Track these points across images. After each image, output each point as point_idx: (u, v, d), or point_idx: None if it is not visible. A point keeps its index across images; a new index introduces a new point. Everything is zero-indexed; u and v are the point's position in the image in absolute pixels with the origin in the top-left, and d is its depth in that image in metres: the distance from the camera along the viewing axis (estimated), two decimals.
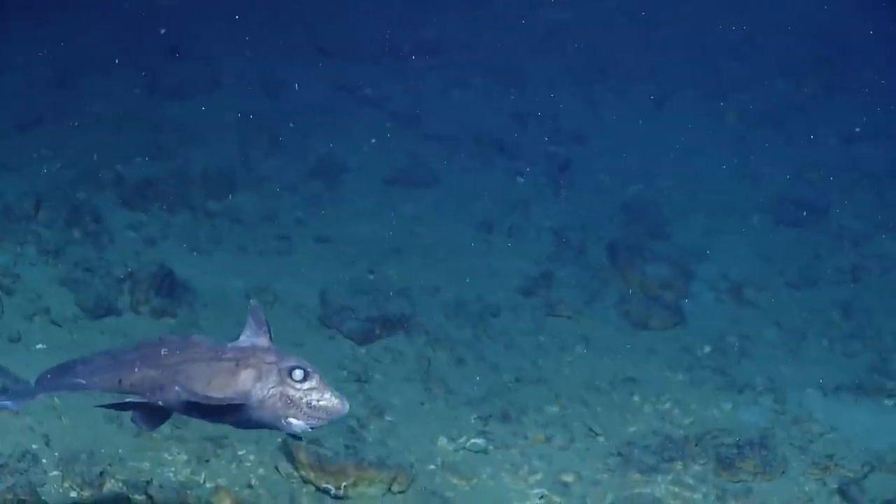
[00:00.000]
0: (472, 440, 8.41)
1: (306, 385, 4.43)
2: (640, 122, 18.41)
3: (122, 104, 15.86)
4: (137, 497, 6.82)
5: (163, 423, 4.80)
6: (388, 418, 8.52)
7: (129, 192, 12.56)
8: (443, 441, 8.33)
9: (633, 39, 22.15)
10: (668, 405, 9.29)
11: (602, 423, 8.92)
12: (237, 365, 4.51)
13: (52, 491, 6.72)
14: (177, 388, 4.53)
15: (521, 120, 17.95)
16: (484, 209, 14.06)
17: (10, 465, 6.72)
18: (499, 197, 14.58)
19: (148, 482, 6.97)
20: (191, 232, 12.01)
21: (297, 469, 7.48)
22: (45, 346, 8.86)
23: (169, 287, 9.94)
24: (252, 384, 4.44)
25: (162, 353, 4.67)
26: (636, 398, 9.43)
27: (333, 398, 4.47)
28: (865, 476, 8.10)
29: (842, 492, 7.91)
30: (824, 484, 8.09)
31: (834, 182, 15.83)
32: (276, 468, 7.52)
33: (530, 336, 10.62)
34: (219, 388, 4.48)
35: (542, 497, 7.82)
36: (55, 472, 6.90)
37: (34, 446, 7.09)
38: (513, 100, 18.98)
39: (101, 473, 6.93)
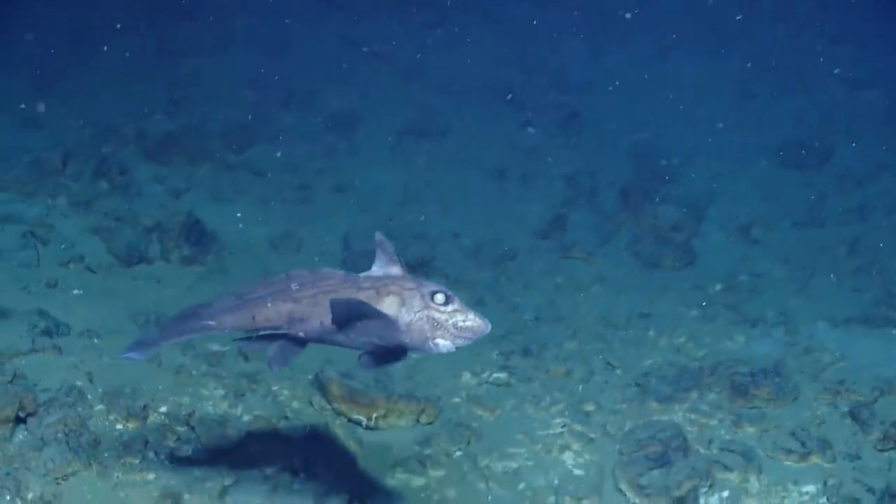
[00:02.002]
0: (495, 374, 8.70)
1: (450, 308, 4.64)
2: (646, 71, 18.60)
3: (138, 63, 16.11)
4: (180, 428, 7.09)
5: (295, 358, 5.01)
6: (413, 355, 8.79)
7: (152, 146, 12.90)
8: (467, 376, 8.61)
9: None
10: (682, 339, 9.60)
11: (619, 357, 9.22)
12: (377, 293, 4.69)
13: (99, 423, 6.98)
14: (320, 319, 4.72)
15: (529, 71, 18.17)
16: (496, 158, 14.35)
17: (59, 398, 6.96)
18: (510, 146, 14.86)
19: (189, 414, 7.24)
20: (214, 183, 12.34)
21: (329, 402, 7.75)
22: (81, 292, 9.17)
23: (197, 235, 10.26)
24: (397, 309, 4.63)
25: (293, 286, 4.83)
26: (651, 333, 9.74)
27: (477, 318, 4.68)
28: (875, 400, 8.32)
29: (853, 414, 8.17)
30: (835, 407, 8.34)
31: (837, 125, 16.04)
32: (310, 402, 7.80)
33: (547, 277, 10.93)
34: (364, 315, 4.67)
35: (564, 426, 8.07)
36: (100, 406, 7.15)
37: (79, 383, 7.34)
38: (520, 52, 19.16)
39: (145, 407, 7.18)
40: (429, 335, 4.65)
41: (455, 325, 4.65)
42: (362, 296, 4.70)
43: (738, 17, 20.49)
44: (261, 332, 4.92)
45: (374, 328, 4.67)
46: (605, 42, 20.05)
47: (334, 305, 4.64)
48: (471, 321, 4.68)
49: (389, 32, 19.36)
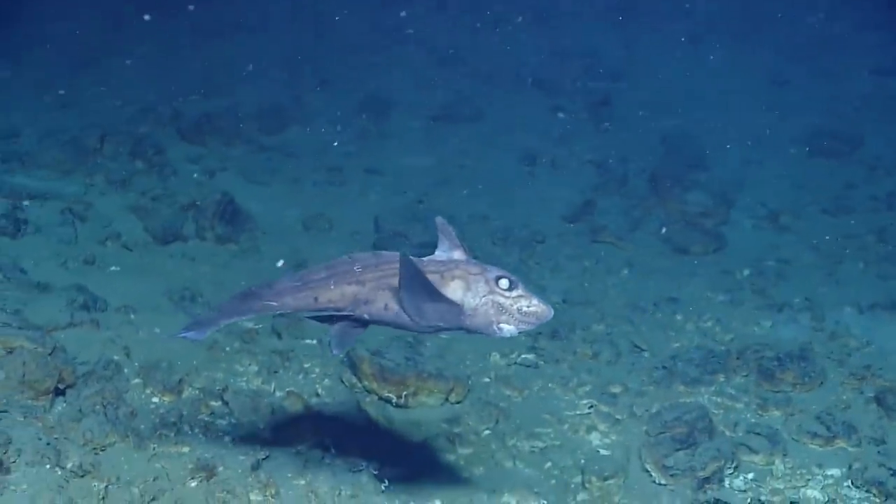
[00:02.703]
0: (524, 355, 8.77)
1: (514, 293, 4.73)
2: (677, 59, 18.62)
3: (175, 45, 16.28)
4: (214, 403, 7.23)
5: (354, 342, 5.13)
6: (443, 335, 8.89)
7: (187, 127, 13.10)
8: (495, 356, 8.68)
9: None
10: (709, 323, 9.68)
11: (647, 340, 9.29)
12: (442, 277, 4.78)
13: (136, 396, 7.15)
14: (385, 301, 4.80)
15: (561, 58, 18.22)
16: (527, 143, 14.43)
17: (97, 371, 7.14)
18: (541, 131, 14.95)
19: (223, 389, 7.38)
20: (247, 164, 12.49)
21: (360, 380, 7.86)
22: (118, 268, 9.36)
23: (231, 215, 10.42)
24: (462, 293, 4.72)
25: (357, 269, 4.90)
26: (679, 317, 9.81)
27: (541, 304, 4.77)
28: None
29: (878, 399, 8.23)
30: (861, 392, 8.42)
31: (867, 114, 16.01)
32: (341, 379, 7.92)
33: (576, 261, 11.01)
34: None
35: (591, 406, 8.15)
36: (137, 380, 7.32)
37: (116, 357, 7.50)
38: (552, 38, 19.21)
39: (180, 381, 7.34)
40: (493, 319, 4.74)
41: (519, 311, 4.73)
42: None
43: (778, 15, 20.47)
44: (324, 314, 4.99)
45: (441, 312, 4.74)
46: (638, 30, 20.09)
47: (401, 289, 4.69)
48: (535, 307, 4.76)
49: (424, 17, 19.44)
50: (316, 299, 4.95)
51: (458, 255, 4.92)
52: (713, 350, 8.98)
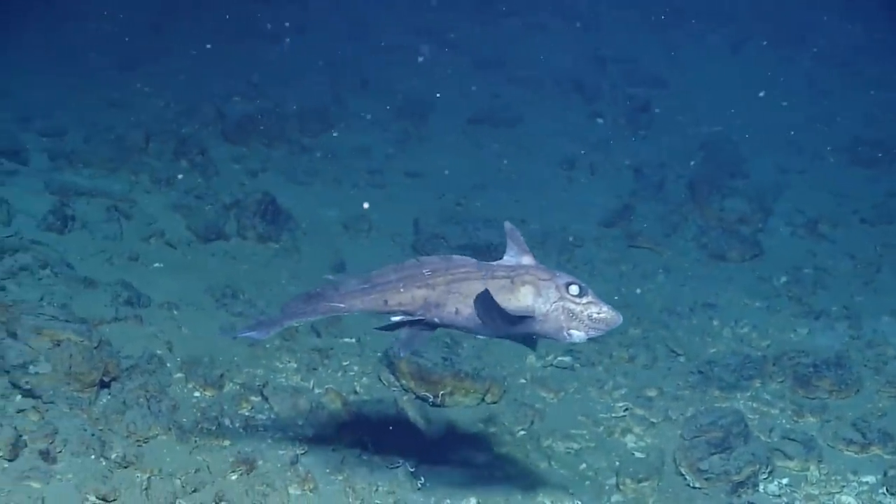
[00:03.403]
0: (560, 357, 8.82)
1: (585, 299, 4.82)
2: (717, 65, 18.61)
3: (216, 46, 16.43)
4: (254, 398, 7.35)
5: (422, 345, 5.20)
6: (479, 336, 8.94)
7: (231, 127, 13.25)
8: (531, 358, 8.73)
9: None
10: (746, 329, 9.71)
11: (683, 345, 9.33)
12: (512, 282, 4.86)
13: (178, 390, 7.28)
14: (456, 306, 4.88)
15: (601, 63, 18.27)
16: (566, 148, 14.49)
17: (141, 365, 7.27)
18: (580, 136, 15.01)
19: (263, 385, 7.51)
20: (289, 165, 12.63)
21: (398, 378, 7.96)
22: (161, 265, 9.48)
23: (272, 214, 10.53)
24: (533, 299, 4.81)
25: (425, 273, 4.99)
26: (715, 323, 9.85)
27: (611, 311, 4.86)
28: None
29: None
30: None
31: None
32: (379, 377, 8.02)
33: (613, 265, 11.06)
34: (501, 304, 4.79)
35: (626, 409, 8.21)
36: (179, 374, 7.46)
37: (159, 351, 7.64)
38: (592, 44, 19.26)
39: (221, 376, 7.47)
40: (564, 325, 4.83)
41: (589, 317, 4.82)
42: (497, 284, 4.85)
43: (824, 18, 20.41)
44: (395, 319, 5.07)
45: (514, 318, 4.81)
46: (678, 36, 20.07)
47: (476, 294, 4.76)
48: (605, 313, 4.84)
49: (464, 21, 19.53)
50: (385, 302, 5.03)
51: (526, 260, 4.99)
52: (749, 356, 9.00)
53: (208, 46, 16.22)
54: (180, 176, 11.37)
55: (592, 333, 4.86)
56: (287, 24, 18.16)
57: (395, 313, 5.06)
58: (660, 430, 7.97)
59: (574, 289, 4.82)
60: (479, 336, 5.18)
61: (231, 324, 8.43)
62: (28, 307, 7.28)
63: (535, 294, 4.81)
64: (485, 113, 15.41)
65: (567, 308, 4.80)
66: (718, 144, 14.69)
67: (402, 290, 4.99)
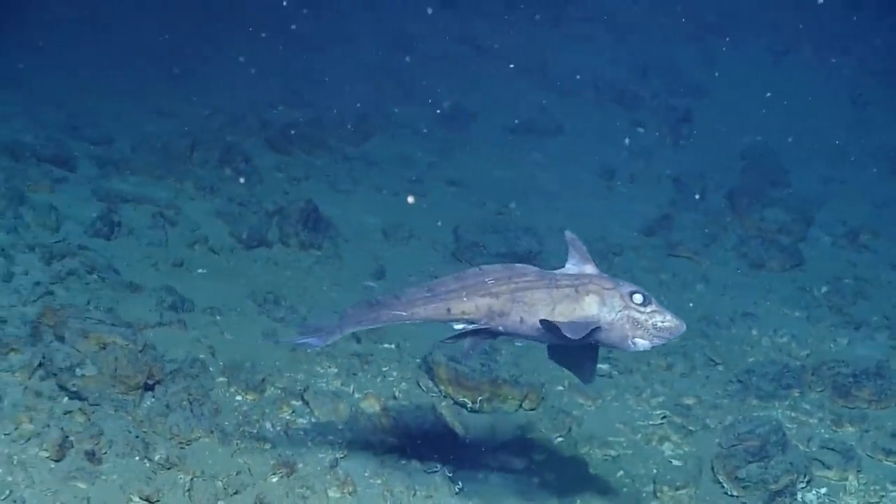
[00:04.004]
0: (598, 365, 8.79)
1: (649, 308, 4.88)
2: (759, 75, 18.54)
3: (263, 56, 16.60)
4: (295, 402, 7.43)
5: (481, 351, 5.27)
6: (518, 343, 9.00)
7: (275, 136, 13.40)
8: None
9: None
10: (785, 339, 9.69)
11: (721, 354, 9.33)
12: (576, 291, 4.90)
13: (220, 394, 7.36)
14: (520, 315, 4.91)
15: (642, 73, 18.27)
16: (606, 157, 14.53)
17: (184, 369, 7.37)
18: (620, 146, 15.00)
19: (304, 390, 7.58)
20: (331, 173, 12.76)
21: (436, 384, 8.02)
22: (205, 271, 9.60)
23: (314, 222, 10.64)
24: (598, 308, 4.86)
25: (488, 281, 5.01)
26: (754, 332, 9.84)
27: (675, 319, 4.94)
28: None
29: None
30: None
31: None
32: (418, 383, 8.08)
33: (652, 274, 11.07)
34: (566, 313, 4.88)
35: (664, 417, 8.22)
36: (221, 378, 7.54)
37: (202, 356, 7.74)
38: (633, 53, 19.26)
39: (263, 381, 7.54)
40: (629, 334, 4.87)
41: (654, 326, 4.87)
42: (561, 293, 4.90)
43: (867, 25, 20.28)
44: (457, 326, 5.10)
45: (580, 327, 4.83)
46: (719, 46, 20.02)
47: (540, 303, 4.83)
48: (669, 321, 4.90)
49: (506, 32, 19.60)
50: (448, 310, 5.05)
51: (588, 268, 5.02)
52: (788, 365, 8.99)
53: (253, 56, 16.38)
54: (224, 183, 11.53)
55: (657, 342, 4.91)
56: (331, 34, 18.33)
57: (458, 322, 5.08)
58: (697, 438, 7.98)
59: (638, 297, 4.87)
60: (542, 343, 5.17)
61: (272, 329, 8.52)
62: (75, 311, 7.40)
63: (599, 303, 4.85)
64: (526, 122, 15.50)
65: (632, 317, 4.84)
66: (759, 154, 14.67)
67: (465, 298, 5.00)
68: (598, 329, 4.88)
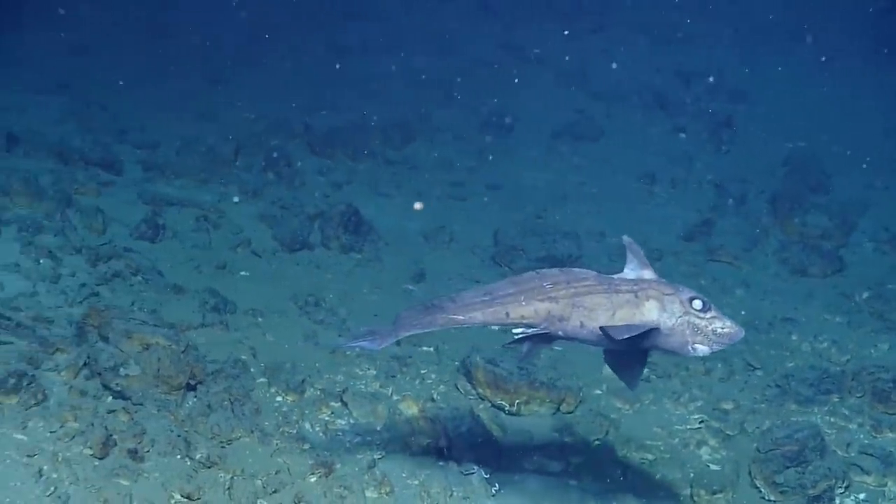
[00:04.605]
0: None
1: (709, 314, 4.89)
2: (803, 80, 18.45)
3: (306, 61, 16.78)
4: (334, 403, 7.52)
5: (539, 354, 5.30)
6: (556, 347, 9.02)
7: (317, 140, 13.55)
8: (607, 369, 8.68)
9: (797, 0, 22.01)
10: (825, 344, 9.64)
11: (760, 359, 9.30)
12: (636, 296, 4.91)
13: (261, 394, 7.47)
14: (580, 319, 4.91)
15: (684, 78, 18.25)
16: (647, 162, 14.52)
17: (226, 370, 7.48)
18: (661, 151, 15.02)
19: (343, 391, 7.67)
20: (373, 177, 12.86)
21: (474, 387, 8.06)
22: (247, 274, 9.74)
23: (355, 225, 10.74)
24: (658, 314, 4.87)
25: (546, 286, 5.01)
26: (794, 337, 9.80)
27: (734, 325, 4.93)
28: None
29: None
30: None
31: None
32: (456, 386, 8.13)
33: (692, 279, 11.03)
34: (626, 318, 4.90)
35: (701, 422, 8.20)
36: (262, 379, 7.65)
37: (243, 357, 7.86)
38: (676, 59, 19.24)
39: (302, 382, 7.64)
40: (689, 340, 4.89)
41: (714, 332, 4.88)
42: (621, 298, 4.91)
43: None
44: (517, 331, 5.10)
45: (641, 333, 4.85)
46: (764, 51, 19.93)
47: (601, 307, 4.85)
48: (728, 328, 4.90)
49: (548, 38, 19.65)
50: (507, 314, 5.04)
51: (647, 274, 5.03)
52: (828, 370, 8.94)
53: (297, 61, 16.56)
54: (267, 187, 11.66)
55: (716, 348, 4.91)
56: (375, 40, 18.47)
57: (516, 326, 5.07)
58: (735, 442, 7.96)
59: (697, 303, 4.88)
60: (601, 348, 5.18)
61: (313, 331, 8.63)
62: (119, 312, 7.55)
63: (660, 308, 4.86)
64: (567, 127, 15.54)
65: (692, 323, 4.85)
66: (802, 159, 14.59)
67: (523, 302, 5.00)
68: (658, 334, 4.89)
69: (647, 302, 4.88)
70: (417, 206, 11.17)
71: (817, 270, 11.43)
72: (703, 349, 4.90)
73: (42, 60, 16.36)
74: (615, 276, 5.03)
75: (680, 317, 4.84)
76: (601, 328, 4.89)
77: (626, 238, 5.17)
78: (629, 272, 5.08)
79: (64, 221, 9.61)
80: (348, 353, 8.25)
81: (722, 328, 4.89)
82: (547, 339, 5.14)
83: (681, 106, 16.95)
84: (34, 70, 15.92)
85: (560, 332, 5.03)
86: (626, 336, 4.81)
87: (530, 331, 5.06)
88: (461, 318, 5.08)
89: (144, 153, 12.43)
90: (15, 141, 11.75)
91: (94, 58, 16.68)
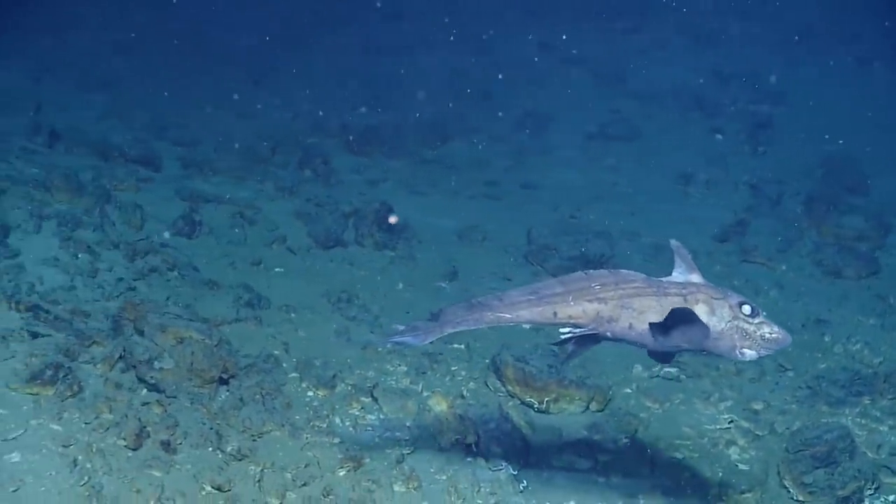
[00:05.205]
0: (666, 368, 8.83)
1: (757, 319, 4.90)
2: (841, 83, 18.33)
3: (344, 61, 16.90)
4: (364, 399, 7.59)
5: (582, 354, 5.25)
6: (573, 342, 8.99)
7: (354, 139, 13.66)
8: (638, 368, 8.79)
9: (835, 2, 21.85)
10: (858, 346, 9.58)
11: (792, 360, 9.27)
12: (685, 300, 4.91)
13: (292, 389, 7.56)
14: (629, 321, 4.91)
15: (722, 79, 18.19)
16: (683, 163, 14.49)
17: (258, 365, 7.58)
18: (697, 152, 14.99)
19: (374, 387, 7.75)
20: (408, 176, 12.94)
21: (504, 384, 8.10)
22: (282, 270, 9.85)
23: (389, 223, 10.79)
24: (707, 318, 4.87)
25: (595, 286, 4.99)
26: (827, 339, 9.75)
27: (782, 331, 4.94)
28: None
29: None
30: None
31: None
32: (486, 383, 8.18)
33: (725, 280, 10.99)
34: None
35: (731, 422, 8.20)
36: (294, 374, 7.74)
37: (276, 352, 7.96)
38: (713, 60, 19.18)
39: (333, 377, 7.72)
40: (737, 344, 4.89)
41: (762, 337, 4.88)
42: (670, 301, 4.90)
43: None
44: (564, 331, 5.07)
45: (690, 335, 4.88)
46: (802, 53, 19.82)
47: (651, 310, 4.85)
48: (776, 333, 4.91)
49: (586, 39, 19.66)
50: (555, 314, 5.01)
51: (695, 277, 5.03)
52: (860, 372, 8.89)
53: (335, 61, 16.66)
54: (303, 185, 11.76)
55: (764, 353, 4.91)
56: (413, 40, 18.56)
57: (564, 326, 5.05)
58: (765, 442, 7.94)
59: (747, 308, 4.88)
60: (648, 349, 5.15)
61: (345, 327, 8.71)
62: (154, 306, 7.68)
63: (709, 312, 4.86)
64: (603, 127, 15.55)
65: (741, 328, 4.85)
66: (839, 161, 14.50)
67: (572, 302, 4.98)
68: (707, 338, 4.89)
69: (696, 305, 4.89)
70: (393, 219, 11.11)
71: (852, 272, 11.37)
72: (750, 354, 4.89)
73: (86, 60, 16.60)
74: (663, 280, 5.03)
75: (729, 321, 4.85)
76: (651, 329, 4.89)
77: (673, 242, 5.18)
78: (677, 275, 5.09)
79: (102, 217, 9.75)
80: (380, 349, 8.32)
81: (770, 333, 4.90)
82: (593, 339, 5.13)
83: (718, 107, 16.89)
84: (78, 69, 16.16)
85: (608, 333, 5.02)
86: (668, 318, 4.82)
87: (577, 331, 5.04)
88: (508, 316, 5.07)
89: (184, 150, 12.61)
90: (57, 137, 11.94)
91: (137, 57, 16.89)
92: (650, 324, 4.90)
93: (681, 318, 4.82)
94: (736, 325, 4.86)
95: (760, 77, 18.28)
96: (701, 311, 4.87)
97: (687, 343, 4.91)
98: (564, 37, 19.65)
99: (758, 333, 4.87)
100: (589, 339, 5.11)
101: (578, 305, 4.96)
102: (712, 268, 11.29)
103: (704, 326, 4.83)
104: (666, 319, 4.81)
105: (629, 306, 4.90)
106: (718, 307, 4.87)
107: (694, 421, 8.22)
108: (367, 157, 13.37)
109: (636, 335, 4.97)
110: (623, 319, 4.92)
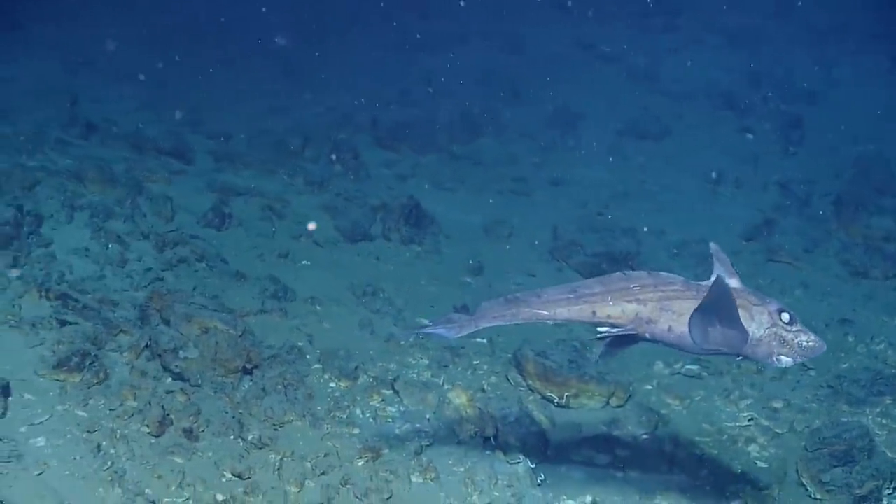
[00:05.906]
0: (687, 366, 8.86)
1: (795, 327, 4.89)
2: (873, 83, 18.21)
3: (378, 56, 16.99)
4: (385, 391, 7.67)
5: (618, 354, 5.23)
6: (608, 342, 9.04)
7: (384, 134, 13.77)
8: (659, 365, 8.83)
9: (870, 2, 21.69)
10: (881, 346, 9.56)
11: (814, 359, 9.24)
12: None
13: (314, 380, 7.65)
14: (669, 323, 4.88)
15: (754, 79, 18.13)
16: (712, 162, 14.46)
17: (281, 356, 7.67)
18: (727, 151, 14.96)
19: (395, 379, 7.83)
20: (437, 171, 13.02)
21: (525, 379, 8.16)
22: (309, 263, 9.96)
23: (416, 218, 10.89)
24: (746, 323, 4.84)
25: (634, 287, 4.97)
26: (850, 338, 9.73)
27: (818, 340, 4.95)
28: None
29: None
30: None
31: None
32: (507, 377, 8.23)
33: (750, 279, 10.90)
34: None
35: (751, 419, 8.22)
36: (317, 365, 7.83)
37: (299, 343, 8.06)
38: (746, 59, 19.10)
39: (356, 369, 7.81)
40: (775, 351, 4.89)
41: (800, 345, 4.89)
42: None
43: None
44: (601, 330, 5.06)
45: (728, 338, 4.86)
46: (835, 53, 19.70)
47: (700, 312, 4.80)
48: (813, 342, 4.92)
49: (619, 37, 19.65)
50: (594, 313, 5.00)
51: (734, 283, 4.99)
52: (882, 372, 8.88)
53: (367, 56, 16.77)
54: (333, 179, 11.86)
55: (800, 360, 4.92)
56: (445, 36, 18.62)
57: (602, 325, 5.04)
58: (784, 440, 7.96)
59: (786, 316, 4.87)
60: (686, 351, 5.11)
61: (369, 320, 8.80)
62: (181, 296, 7.80)
63: (747, 318, 4.85)
64: (633, 125, 15.55)
65: (779, 335, 4.85)
66: (870, 162, 14.41)
67: (611, 302, 4.97)
68: (745, 343, 4.87)
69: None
70: (311, 226, 11.03)
71: (879, 273, 11.33)
72: (787, 360, 4.90)
73: (122, 53, 16.79)
74: (703, 283, 4.98)
75: (768, 328, 4.85)
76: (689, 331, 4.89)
77: (713, 246, 5.12)
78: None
79: (134, 208, 9.88)
80: (402, 342, 8.41)
81: (807, 342, 4.90)
82: (629, 339, 5.12)
83: (749, 106, 16.85)
84: (115, 62, 16.36)
85: (647, 335, 5.01)
86: (706, 321, 4.80)
87: (615, 331, 5.04)
88: (546, 313, 5.05)
89: (216, 143, 12.72)
90: (92, 129, 12.12)
91: (172, 51, 17.05)
92: (689, 326, 4.89)
93: (720, 323, 4.82)
94: (774, 331, 4.86)
95: (793, 76, 18.21)
96: (740, 316, 4.85)
97: (726, 347, 4.90)
98: (598, 35, 19.65)
99: (795, 341, 4.88)
100: (626, 339, 5.11)
101: (618, 306, 4.96)
102: (738, 267, 11.23)
103: (744, 331, 4.82)
104: (706, 323, 4.81)
105: (668, 308, 4.90)
106: (757, 313, 4.86)
107: (714, 418, 8.25)
108: (397, 151, 13.48)
109: (675, 337, 4.97)
110: (662, 321, 4.92)
